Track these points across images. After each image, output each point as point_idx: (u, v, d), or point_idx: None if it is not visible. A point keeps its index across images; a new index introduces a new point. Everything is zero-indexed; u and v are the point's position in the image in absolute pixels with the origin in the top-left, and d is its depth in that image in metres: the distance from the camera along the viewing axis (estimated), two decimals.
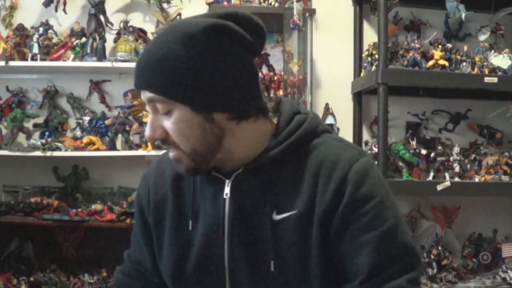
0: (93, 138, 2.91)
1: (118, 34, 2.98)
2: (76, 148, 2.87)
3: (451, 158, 2.94)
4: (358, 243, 1.07)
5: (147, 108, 1.09)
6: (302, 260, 1.10)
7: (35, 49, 2.83)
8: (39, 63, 2.84)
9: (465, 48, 2.95)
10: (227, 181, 1.14)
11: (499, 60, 2.92)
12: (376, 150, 2.82)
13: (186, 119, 1.05)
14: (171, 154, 1.11)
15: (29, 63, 2.85)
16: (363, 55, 3.09)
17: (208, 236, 1.14)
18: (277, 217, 1.10)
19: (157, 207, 1.23)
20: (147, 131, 1.09)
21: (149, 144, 2.88)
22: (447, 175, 2.88)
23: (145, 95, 1.07)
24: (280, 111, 1.16)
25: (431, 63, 2.83)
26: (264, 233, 1.10)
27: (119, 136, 2.97)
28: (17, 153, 2.81)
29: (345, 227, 1.08)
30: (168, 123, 1.06)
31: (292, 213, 1.10)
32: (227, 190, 1.14)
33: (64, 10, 2.95)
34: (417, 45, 2.87)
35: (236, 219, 1.13)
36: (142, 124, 2.93)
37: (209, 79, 1.03)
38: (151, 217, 1.24)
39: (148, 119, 1.10)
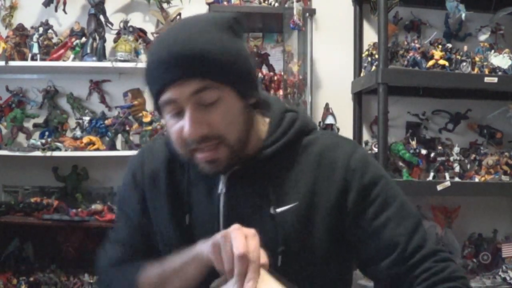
0: (93, 138, 2.91)
1: (118, 34, 2.98)
2: (76, 148, 2.87)
3: (451, 158, 2.93)
4: (379, 224, 1.09)
5: (186, 105, 1.03)
6: (307, 251, 1.11)
7: (35, 49, 2.83)
8: (39, 63, 2.84)
9: (465, 48, 2.95)
10: (222, 176, 1.13)
11: (499, 60, 2.91)
12: (376, 150, 2.81)
13: (235, 105, 1.05)
14: (208, 154, 1.06)
15: (29, 63, 2.85)
16: (363, 55, 3.09)
17: (205, 233, 1.07)
18: (276, 210, 1.10)
19: (151, 182, 1.21)
20: (190, 129, 1.02)
21: None
22: (447, 175, 2.87)
23: (189, 87, 1.02)
24: (271, 109, 1.18)
25: (431, 63, 2.83)
26: (263, 228, 1.03)
27: (119, 136, 2.96)
28: (17, 153, 2.81)
29: (360, 213, 1.10)
30: (215, 114, 1.03)
31: (292, 206, 1.10)
32: (221, 186, 1.13)
33: (64, 10, 2.95)
34: (417, 45, 2.87)
35: (231, 216, 1.11)
36: (142, 124, 2.93)
37: (249, 63, 1.08)
38: (147, 191, 1.21)
39: (186, 117, 1.03)
